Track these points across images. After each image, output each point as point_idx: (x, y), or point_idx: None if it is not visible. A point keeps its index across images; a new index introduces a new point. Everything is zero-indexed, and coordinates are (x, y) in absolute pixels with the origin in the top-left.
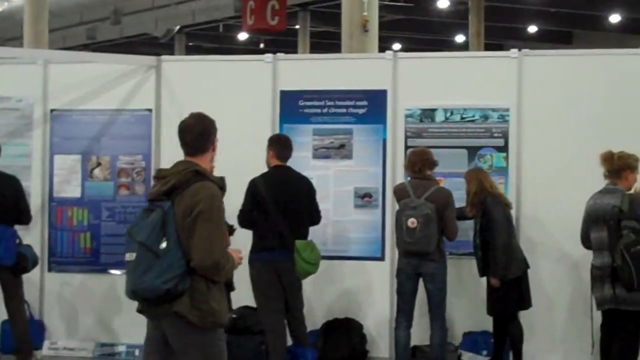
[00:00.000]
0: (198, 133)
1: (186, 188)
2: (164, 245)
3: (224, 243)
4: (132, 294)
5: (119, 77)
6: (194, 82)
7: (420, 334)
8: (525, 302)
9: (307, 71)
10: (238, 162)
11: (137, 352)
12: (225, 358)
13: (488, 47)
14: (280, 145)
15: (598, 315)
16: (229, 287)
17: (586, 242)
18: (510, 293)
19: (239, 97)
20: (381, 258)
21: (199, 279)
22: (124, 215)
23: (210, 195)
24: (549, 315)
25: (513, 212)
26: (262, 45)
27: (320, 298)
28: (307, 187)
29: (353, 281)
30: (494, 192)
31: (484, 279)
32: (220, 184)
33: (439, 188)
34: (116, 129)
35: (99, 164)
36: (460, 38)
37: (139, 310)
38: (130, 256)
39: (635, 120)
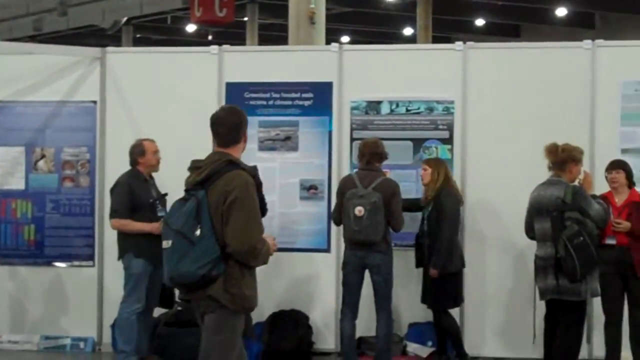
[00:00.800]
0: (231, 125)
1: (220, 177)
2: (198, 232)
3: (260, 229)
4: (170, 280)
5: (63, 69)
6: (139, 74)
7: (366, 325)
8: (459, 299)
9: (253, 63)
10: (184, 155)
11: (82, 345)
12: (240, 342)
13: (436, 40)
14: None
15: (541, 306)
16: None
17: (530, 232)
18: (450, 288)
19: (185, 89)
20: (327, 250)
21: (234, 264)
22: (68, 208)
23: (243, 183)
24: (492, 306)
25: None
26: (210, 37)
27: (267, 290)
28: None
29: (299, 273)
30: (452, 187)
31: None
32: (253, 173)
33: (386, 179)
34: (61, 120)
35: (43, 156)
36: (408, 31)
37: (181, 298)
38: (166, 244)
39: (580, 113)
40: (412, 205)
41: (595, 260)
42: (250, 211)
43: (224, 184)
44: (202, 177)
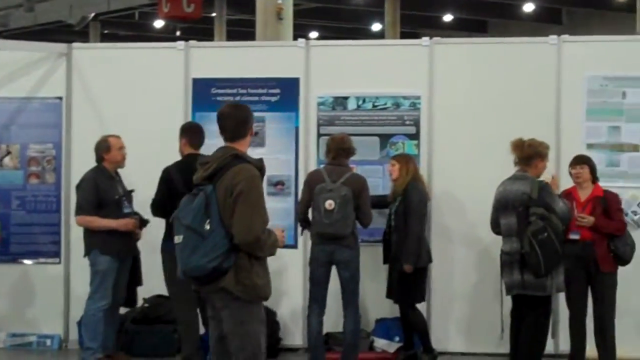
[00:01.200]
0: (238, 120)
1: (226, 171)
2: (207, 226)
3: (264, 220)
4: (183, 274)
5: (29, 65)
6: (105, 70)
7: (334, 321)
8: (424, 294)
9: (220, 59)
10: (150, 151)
11: (48, 342)
12: (264, 328)
13: (404, 36)
14: (192, 133)
15: (508, 301)
16: (137, 282)
17: (495, 228)
18: (417, 283)
19: (151, 85)
20: (294, 246)
21: (243, 255)
22: (34, 204)
23: (249, 177)
24: (459, 301)
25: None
26: (178, 33)
27: None
28: None
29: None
30: (420, 182)
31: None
32: (259, 165)
33: (354, 174)
34: (26, 117)
35: (8, 153)
36: (376, 27)
37: (195, 290)
38: (178, 239)
39: (546, 108)
40: (378, 202)
41: (559, 256)
42: (255, 203)
43: (230, 178)
44: (210, 172)
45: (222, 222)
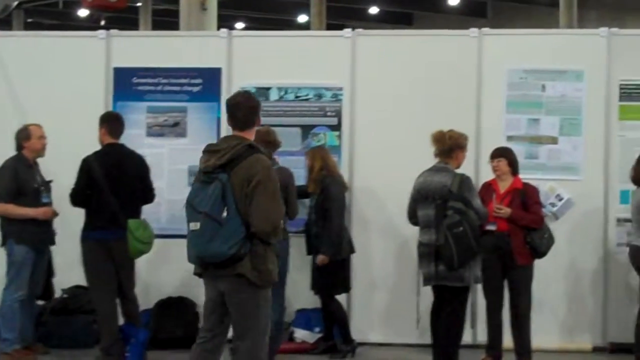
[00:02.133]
0: (248, 108)
1: (242, 160)
2: (225, 214)
3: (281, 209)
4: (198, 259)
5: None
6: (26, 59)
7: None
8: (348, 285)
9: (142, 48)
10: (71, 141)
11: None
12: (269, 309)
13: (330, 27)
14: (112, 123)
15: (425, 292)
16: (51, 274)
17: (412, 218)
18: (338, 275)
19: (72, 74)
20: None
21: (258, 242)
22: None
23: (266, 167)
24: (379, 292)
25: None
26: (103, 23)
27: (155, 277)
28: (140, 165)
29: (187, 260)
30: (335, 172)
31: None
32: (268, 156)
33: (280, 167)
34: None
35: None
36: (302, 18)
37: (198, 274)
38: (194, 225)
39: (467, 100)
40: (300, 192)
41: (473, 250)
42: (273, 193)
43: (247, 168)
44: (224, 160)
45: (238, 210)
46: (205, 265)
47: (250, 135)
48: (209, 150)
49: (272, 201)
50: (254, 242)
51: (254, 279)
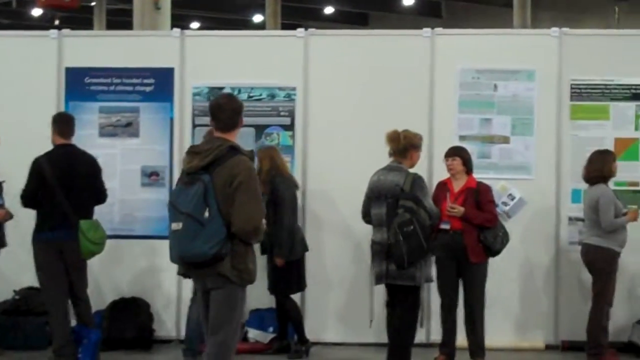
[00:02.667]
0: (232, 110)
1: (224, 162)
2: (207, 214)
3: (262, 210)
4: (180, 259)
5: None
6: None
7: None
8: (303, 283)
9: (94, 48)
10: (23, 141)
11: None
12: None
13: (285, 27)
14: (63, 124)
15: (379, 291)
16: None
17: (365, 216)
18: (292, 274)
19: (24, 74)
20: (168, 237)
21: (238, 242)
22: None
23: (247, 168)
24: (333, 291)
25: (299, 190)
26: (57, 22)
27: (108, 277)
28: (91, 165)
29: (140, 260)
30: (284, 172)
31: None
32: (251, 156)
33: None
34: None
35: None
36: (258, 18)
37: (182, 274)
38: (176, 226)
39: (420, 100)
40: None
41: (423, 249)
42: (254, 194)
43: (229, 169)
44: (207, 161)
45: (220, 211)
46: (187, 265)
47: (233, 137)
48: (192, 152)
49: (254, 202)
50: (234, 242)
51: (234, 278)
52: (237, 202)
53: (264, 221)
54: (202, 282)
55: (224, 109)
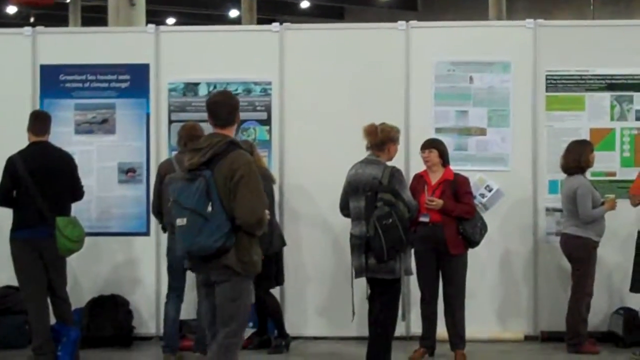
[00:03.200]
0: (230, 107)
1: (224, 157)
2: (210, 209)
3: (264, 202)
4: (187, 253)
5: None
6: None
7: (187, 308)
8: (281, 278)
9: (69, 45)
10: None
11: None
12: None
13: (261, 22)
14: (37, 121)
15: (359, 284)
16: None
17: (344, 210)
18: (270, 268)
19: None
20: (147, 233)
21: (243, 235)
22: None
23: (247, 162)
24: (313, 285)
25: (276, 184)
26: (32, 20)
27: (86, 275)
28: (67, 162)
29: (118, 257)
30: (260, 166)
31: None
32: (250, 151)
33: None
34: None
35: None
36: (233, 13)
37: (189, 268)
38: (181, 221)
39: (396, 93)
40: None
41: (403, 242)
42: (255, 187)
43: (229, 164)
44: (207, 157)
45: (223, 205)
46: (194, 259)
47: (231, 132)
48: (192, 150)
49: (255, 194)
50: (238, 234)
51: (239, 270)
52: (239, 196)
53: (267, 212)
54: (206, 276)
55: (221, 105)
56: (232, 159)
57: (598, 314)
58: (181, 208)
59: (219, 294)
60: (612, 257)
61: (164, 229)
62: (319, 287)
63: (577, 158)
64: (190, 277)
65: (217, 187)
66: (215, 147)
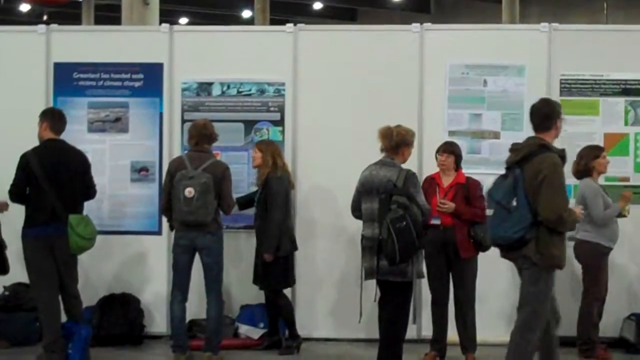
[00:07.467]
0: (542, 114)
1: (533, 157)
2: (514, 203)
3: (566, 201)
4: (492, 241)
5: None
6: None
7: (197, 308)
8: (290, 280)
9: (83, 43)
10: (11, 136)
11: None
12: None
13: (274, 23)
14: (54, 119)
15: (369, 286)
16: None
17: (355, 211)
18: (280, 270)
19: (12, 70)
20: (158, 232)
21: (544, 229)
22: None
23: (552, 164)
24: (324, 287)
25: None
26: (45, 18)
27: (98, 273)
28: (80, 160)
29: (130, 256)
30: (283, 169)
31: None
32: (562, 154)
33: (216, 161)
34: None
35: None
36: (247, 13)
37: (502, 256)
38: (489, 212)
39: (409, 95)
40: (248, 202)
41: (415, 245)
42: (557, 187)
43: (537, 164)
44: (519, 157)
45: (527, 200)
46: (499, 247)
47: (548, 137)
48: (512, 149)
49: (556, 193)
50: (540, 229)
51: (536, 260)
52: (542, 194)
53: (578, 211)
54: (517, 263)
55: (535, 112)
56: (540, 160)
57: (610, 320)
58: (491, 200)
59: (522, 279)
60: (624, 263)
61: (171, 227)
62: (331, 288)
63: (585, 162)
64: (195, 275)
65: (524, 184)
66: (528, 149)
